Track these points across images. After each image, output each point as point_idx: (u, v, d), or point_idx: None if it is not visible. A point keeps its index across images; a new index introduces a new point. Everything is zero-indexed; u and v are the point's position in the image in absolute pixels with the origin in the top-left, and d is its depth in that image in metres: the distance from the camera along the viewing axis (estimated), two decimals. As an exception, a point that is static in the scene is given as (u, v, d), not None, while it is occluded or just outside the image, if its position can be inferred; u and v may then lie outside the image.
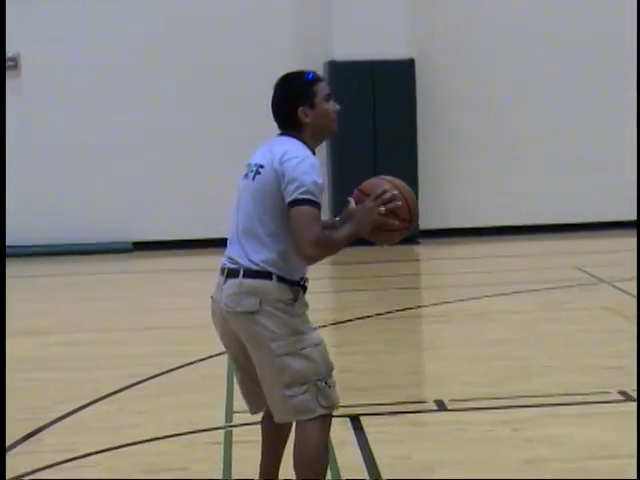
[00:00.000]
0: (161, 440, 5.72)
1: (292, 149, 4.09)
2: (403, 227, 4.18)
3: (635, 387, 6.44)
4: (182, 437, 5.77)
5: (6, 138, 12.05)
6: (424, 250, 13.15)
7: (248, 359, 4.22)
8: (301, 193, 4.00)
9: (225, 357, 7.45)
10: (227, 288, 4.16)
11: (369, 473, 5.11)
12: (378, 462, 5.24)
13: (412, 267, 12.48)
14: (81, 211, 13.40)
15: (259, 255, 4.10)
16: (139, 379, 7.00)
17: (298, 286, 4.17)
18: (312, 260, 4.08)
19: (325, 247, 4.06)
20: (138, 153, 13.52)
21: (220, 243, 13.49)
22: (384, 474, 5.06)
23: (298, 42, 13.26)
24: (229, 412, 6.24)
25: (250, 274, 4.11)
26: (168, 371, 7.22)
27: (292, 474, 4.25)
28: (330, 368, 4.20)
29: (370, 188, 4.19)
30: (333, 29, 13.16)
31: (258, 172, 4.15)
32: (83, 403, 6.46)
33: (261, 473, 4.56)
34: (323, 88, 4.22)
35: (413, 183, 13.13)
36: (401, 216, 4.14)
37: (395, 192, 4.13)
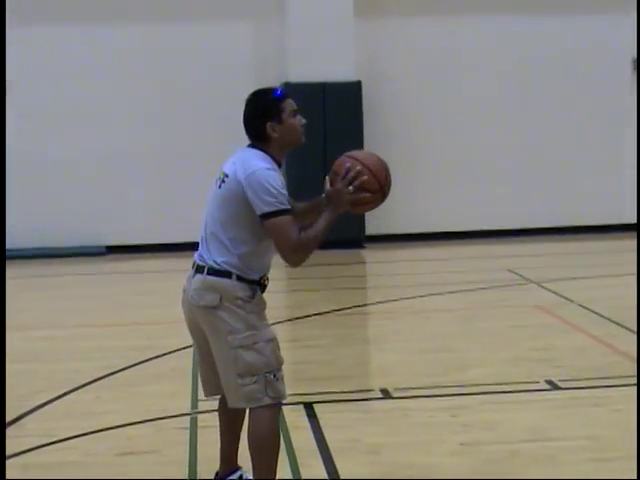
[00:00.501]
0: (134, 425, 5.71)
1: (256, 163, 4.07)
2: (376, 197, 4.19)
3: (562, 377, 6.53)
4: (153, 422, 5.77)
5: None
6: (369, 254, 13.18)
7: (209, 347, 4.22)
8: (270, 205, 3.99)
9: (190, 350, 7.49)
10: (194, 282, 4.17)
11: (321, 455, 5.11)
12: (330, 445, 5.25)
13: (359, 269, 12.52)
14: (57, 217, 13.31)
15: (221, 257, 4.11)
16: (114, 370, 6.98)
17: (257, 284, 4.16)
18: (298, 263, 4.09)
19: (306, 247, 4.06)
20: (111, 166, 13.46)
21: (186, 247, 13.54)
22: (335, 456, 5.08)
23: (257, 65, 13.26)
24: (195, 400, 6.23)
25: (213, 272, 4.11)
26: (140, 363, 7.20)
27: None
28: (280, 362, 4.20)
29: (337, 168, 4.17)
30: (288, 54, 13.16)
31: (224, 181, 4.14)
32: (63, 392, 6.43)
33: (222, 456, 4.56)
34: (290, 104, 4.19)
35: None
36: (370, 188, 4.13)
37: (358, 167, 4.10)
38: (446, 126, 13.90)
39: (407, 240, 13.78)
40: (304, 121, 4.25)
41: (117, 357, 7.32)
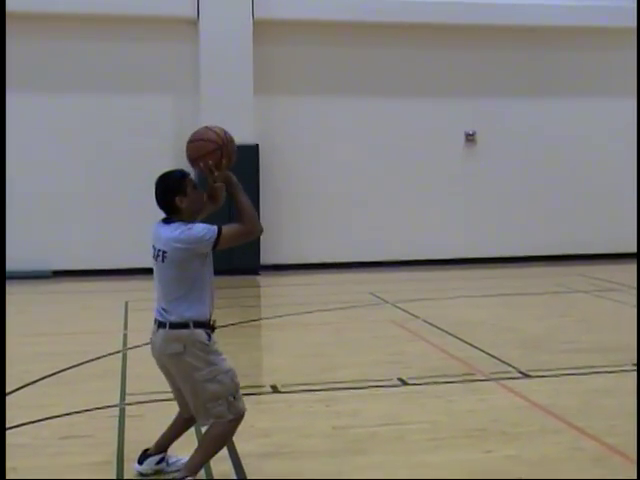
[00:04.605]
0: (73, 415, 5.59)
1: (180, 228, 4.07)
2: (224, 152, 4.13)
3: (410, 376, 6.63)
4: (89, 412, 5.65)
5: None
6: (263, 279, 13.15)
7: (177, 381, 4.22)
8: (210, 238, 4.03)
9: (119, 354, 7.40)
10: (159, 335, 4.14)
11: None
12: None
13: (254, 291, 12.47)
14: (11, 246, 12.95)
15: (177, 312, 4.08)
16: (57, 370, 6.82)
17: (209, 328, 4.14)
18: (257, 230, 4.15)
19: (250, 221, 4.12)
20: (62, 204, 13.18)
21: (115, 272, 13.23)
22: (234, 438, 5.05)
23: (176, 130, 13.14)
24: (123, 394, 6.13)
25: (173, 326, 4.09)
26: (79, 365, 7.04)
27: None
28: (237, 386, 4.21)
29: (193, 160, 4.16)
30: (200, 122, 13.09)
31: (164, 256, 4.08)
32: (15, 387, 6.26)
33: (159, 441, 4.52)
34: (191, 180, 4.19)
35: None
36: (216, 158, 4.10)
37: (201, 164, 4.09)
38: (321, 181, 14.00)
39: (293, 269, 13.81)
40: (204, 192, 4.25)
41: (60, 360, 7.14)
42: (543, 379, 6.55)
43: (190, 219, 4.15)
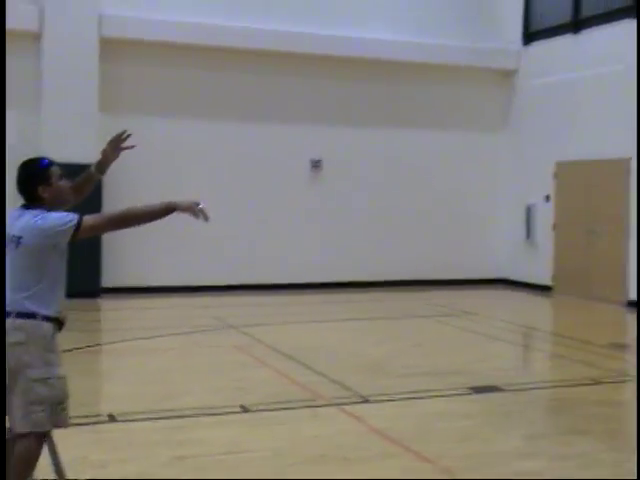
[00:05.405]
0: None
1: (39, 215, 3.93)
2: None
3: (252, 402, 6.57)
4: None
5: None
6: (104, 302, 12.75)
7: (11, 381, 3.95)
8: (70, 221, 3.89)
9: None
10: (7, 324, 3.93)
11: (54, 470, 4.83)
12: (62, 462, 4.95)
13: (94, 315, 12.02)
14: None
15: (26, 303, 3.92)
16: None
17: (56, 323, 4.00)
18: (131, 225, 4.22)
19: (128, 214, 4.15)
20: None
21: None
22: (67, 470, 4.83)
23: (18, 154, 12.63)
24: None
25: (19, 315, 3.92)
26: None
27: None
28: (66, 396, 4.03)
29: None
30: (43, 139, 12.62)
31: (19, 242, 3.93)
32: None
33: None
34: (56, 170, 4.09)
35: (97, 255, 12.83)
36: None
37: None
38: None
39: (136, 292, 13.46)
40: (69, 184, 4.18)
41: None
42: (382, 403, 6.66)
43: (51, 208, 4.00)
